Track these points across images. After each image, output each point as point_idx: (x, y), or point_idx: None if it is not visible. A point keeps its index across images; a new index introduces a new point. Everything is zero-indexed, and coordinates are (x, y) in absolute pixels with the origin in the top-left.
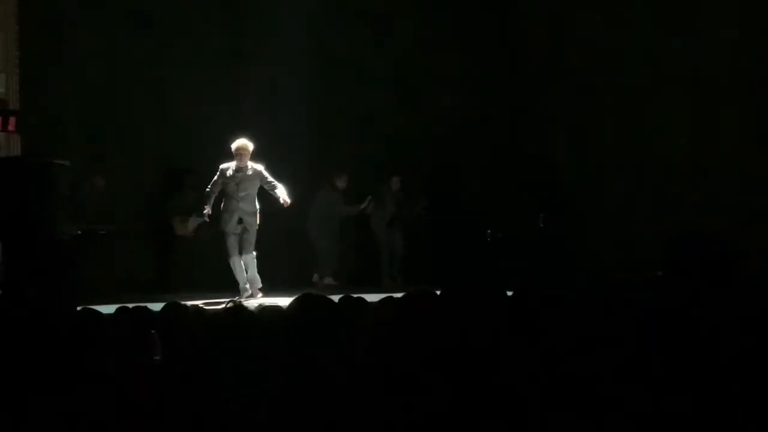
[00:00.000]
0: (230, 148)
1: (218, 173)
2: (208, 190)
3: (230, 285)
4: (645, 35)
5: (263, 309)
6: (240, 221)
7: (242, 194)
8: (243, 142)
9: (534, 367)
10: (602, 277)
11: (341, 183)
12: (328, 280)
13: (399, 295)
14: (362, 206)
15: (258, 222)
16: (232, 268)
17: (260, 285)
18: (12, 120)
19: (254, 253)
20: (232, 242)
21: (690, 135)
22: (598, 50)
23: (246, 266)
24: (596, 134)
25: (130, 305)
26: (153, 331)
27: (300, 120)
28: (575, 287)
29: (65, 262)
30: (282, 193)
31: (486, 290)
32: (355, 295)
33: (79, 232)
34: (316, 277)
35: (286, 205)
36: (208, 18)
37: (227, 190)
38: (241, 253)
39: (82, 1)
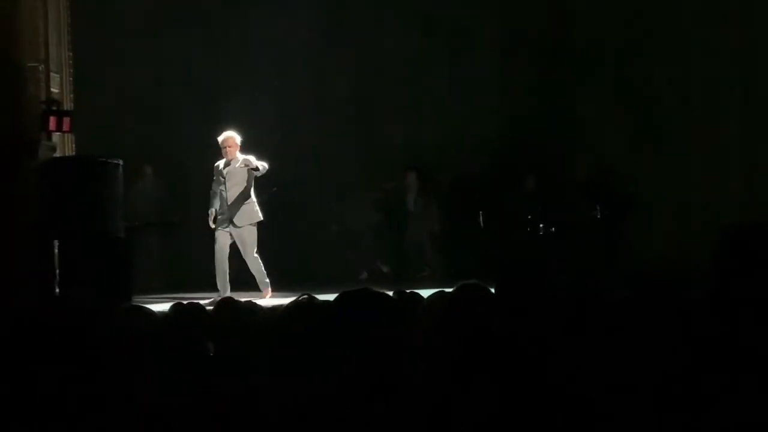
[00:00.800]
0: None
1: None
2: (210, 191)
3: (281, 281)
4: (701, 27)
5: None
6: (232, 224)
7: (231, 188)
8: (227, 135)
9: (587, 367)
10: (656, 270)
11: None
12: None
13: (450, 290)
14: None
15: (257, 218)
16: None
17: (268, 285)
18: (66, 120)
19: (256, 255)
20: (220, 238)
21: (744, 126)
22: (654, 43)
23: (251, 269)
24: (653, 126)
25: (185, 301)
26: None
27: (348, 118)
28: (629, 282)
29: (119, 260)
30: (259, 164)
31: (539, 285)
32: (408, 291)
33: (137, 223)
34: (364, 274)
35: (255, 171)
36: (255, 17)
37: (220, 186)
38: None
39: (132, 2)
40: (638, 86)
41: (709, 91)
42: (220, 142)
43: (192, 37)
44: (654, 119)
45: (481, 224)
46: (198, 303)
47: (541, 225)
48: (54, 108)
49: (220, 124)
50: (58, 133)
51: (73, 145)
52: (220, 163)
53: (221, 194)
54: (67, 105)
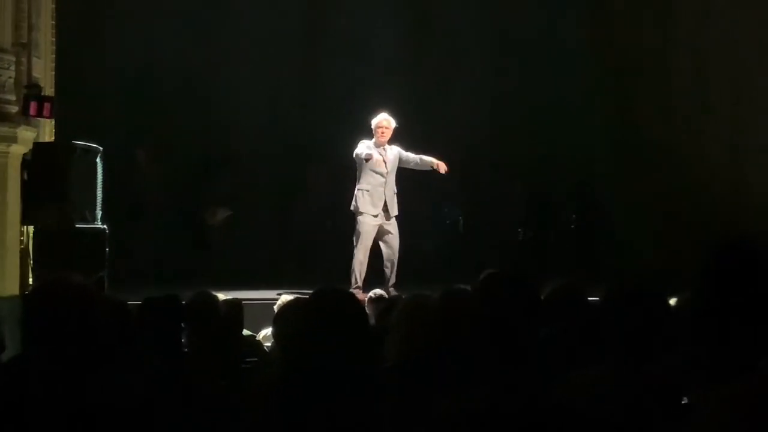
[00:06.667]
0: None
1: None
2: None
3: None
4: (690, 35)
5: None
6: (386, 213)
7: (390, 175)
8: (389, 117)
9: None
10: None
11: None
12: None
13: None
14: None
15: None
16: None
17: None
18: (47, 105)
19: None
20: (370, 227)
21: (731, 137)
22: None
23: (394, 262)
24: (637, 134)
25: (159, 295)
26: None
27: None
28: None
29: (93, 249)
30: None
31: (520, 284)
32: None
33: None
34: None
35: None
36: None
37: (375, 170)
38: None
39: None
40: (626, 95)
41: (697, 100)
42: (389, 124)
43: (183, 21)
44: (640, 129)
45: (460, 229)
46: (173, 295)
47: (519, 230)
48: (35, 93)
49: (213, 114)
50: (39, 119)
51: (54, 132)
52: (374, 147)
53: (376, 179)
54: (49, 90)
